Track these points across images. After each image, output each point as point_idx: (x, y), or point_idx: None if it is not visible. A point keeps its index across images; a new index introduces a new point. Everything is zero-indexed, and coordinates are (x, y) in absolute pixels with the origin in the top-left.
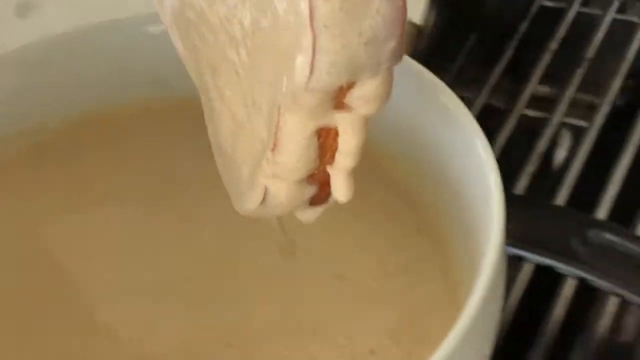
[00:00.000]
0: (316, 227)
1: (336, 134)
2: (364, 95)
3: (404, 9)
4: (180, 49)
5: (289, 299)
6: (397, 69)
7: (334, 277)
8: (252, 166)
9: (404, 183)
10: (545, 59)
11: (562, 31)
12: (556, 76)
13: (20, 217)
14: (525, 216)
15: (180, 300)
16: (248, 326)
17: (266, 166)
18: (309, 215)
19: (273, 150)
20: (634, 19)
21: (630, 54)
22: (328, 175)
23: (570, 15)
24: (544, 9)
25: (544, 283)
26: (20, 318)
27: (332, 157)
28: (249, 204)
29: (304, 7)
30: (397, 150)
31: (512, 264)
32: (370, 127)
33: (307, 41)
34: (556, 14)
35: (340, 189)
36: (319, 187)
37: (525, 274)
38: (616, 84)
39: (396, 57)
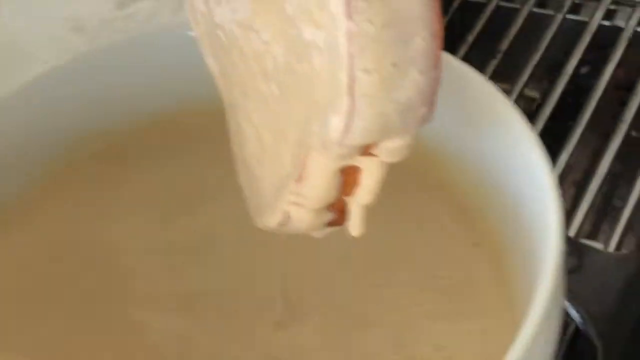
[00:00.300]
0: (366, 239)
1: (358, 170)
2: (390, 148)
3: (438, 79)
4: (211, 63)
5: (329, 309)
6: (453, 78)
7: (376, 287)
8: (275, 188)
9: (458, 195)
10: (462, 51)
11: (480, 24)
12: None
13: (70, 219)
14: None
15: (214, 312)
16: (287, 337)
17: (289, 195)
18: (322, 233)
19: (298, 182)
20: (551, 12)
21: (543, 46)
22: (346, 204)
23: (490, 8)
24: (465, 3)
25: None
26: (58, 321)
27: (351, 189)
28: (269, 222)
29: (344, 77)
30: (452, 162)
31: None
32: (425, 136)
33: (344, 106)
34: (477, 8)
35: (356, 224)
36: (337, 213)
37: None
38: (526, 74)
39: (425, 120)
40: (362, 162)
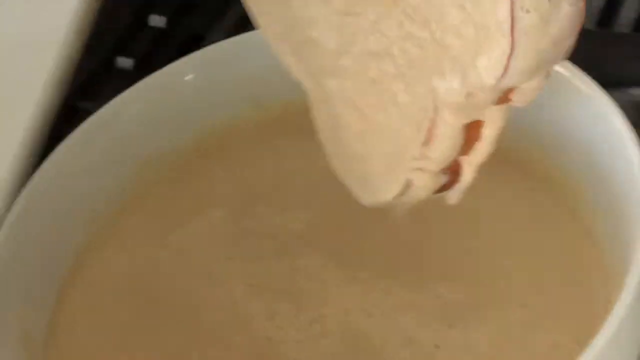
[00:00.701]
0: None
1: (478, 125)
2: (532, 87)
3: (584, 9)
4: (290, 61)
5: (423, 267)
6: None
7: (464, 240)
8: (389, 162)
9: (546, 171)
10: None
11: None
12: None
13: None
14: None
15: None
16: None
17: (412, 162)
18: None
19: (425, 145)
20: None
21: None
22: (457, 165)
23: None
24: None
25: None
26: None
27: (469, 147)
28: (385, 195)
29: (505, 19)
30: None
31: None
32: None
33: (504, 48)
34: None
35: (470, 176)
36: (450, 176)
37: None
38: None
39: (570, 51)
40: (489, 112)
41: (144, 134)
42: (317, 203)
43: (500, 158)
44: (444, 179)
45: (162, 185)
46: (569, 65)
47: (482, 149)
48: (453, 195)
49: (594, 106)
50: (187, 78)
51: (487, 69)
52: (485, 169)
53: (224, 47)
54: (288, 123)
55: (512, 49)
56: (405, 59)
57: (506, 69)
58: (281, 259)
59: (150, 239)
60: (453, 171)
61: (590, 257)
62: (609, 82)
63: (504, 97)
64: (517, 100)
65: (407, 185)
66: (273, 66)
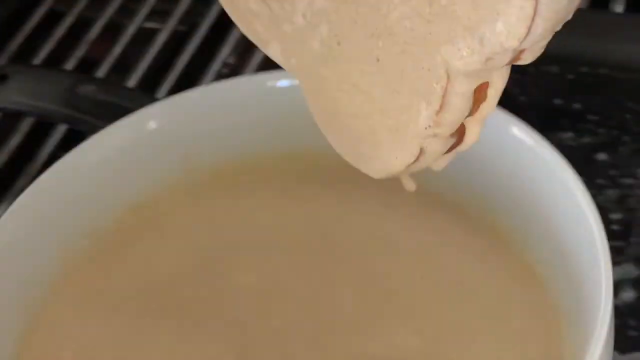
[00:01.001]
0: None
1: (485, 86)
2: (541, 45)
3: None
4: (277, 55)
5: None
6: None
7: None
8: (399, 136)
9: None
10: None
11: None
12: None
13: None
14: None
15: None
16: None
17: (426, 130)
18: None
19: (438, 113)
20: None
21: None
22: (462, 126)
23: None
24: None
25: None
26: None
27: (476, 108)
28: (398, 167)
29: None
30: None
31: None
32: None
33: (524, 11)
34: None
35: (476, 135)
36: (456, 138)
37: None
38: None
39: (577, 8)
40: (494, 76)
41: (102, 187)
42: (276, 258)
43: (439, 205)
44: (452, 142)
45: (116, 245)
46: (507, 114)
47: (487, 108)
48: (442, 161)
49: (537, 154)
50: (148, 127)
51: (509, 33)
52: (427, 216)
53: (190, 97)
54: (246, 179)
55: (535, 10)
56: (411, 35)
57: (529, 30)
58: (254, 320)
59: (110, 309)
60: (460, 133)
61: (535, 292)
62: None
63: (516, 57)
64: (527, 57)
65: (421, 153)
66: (240, 117)
